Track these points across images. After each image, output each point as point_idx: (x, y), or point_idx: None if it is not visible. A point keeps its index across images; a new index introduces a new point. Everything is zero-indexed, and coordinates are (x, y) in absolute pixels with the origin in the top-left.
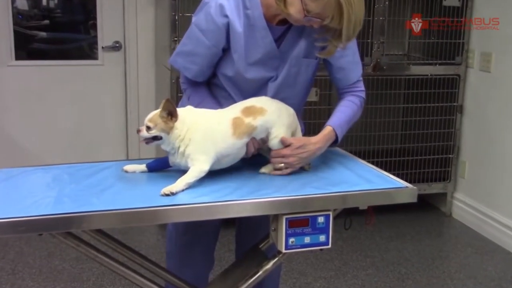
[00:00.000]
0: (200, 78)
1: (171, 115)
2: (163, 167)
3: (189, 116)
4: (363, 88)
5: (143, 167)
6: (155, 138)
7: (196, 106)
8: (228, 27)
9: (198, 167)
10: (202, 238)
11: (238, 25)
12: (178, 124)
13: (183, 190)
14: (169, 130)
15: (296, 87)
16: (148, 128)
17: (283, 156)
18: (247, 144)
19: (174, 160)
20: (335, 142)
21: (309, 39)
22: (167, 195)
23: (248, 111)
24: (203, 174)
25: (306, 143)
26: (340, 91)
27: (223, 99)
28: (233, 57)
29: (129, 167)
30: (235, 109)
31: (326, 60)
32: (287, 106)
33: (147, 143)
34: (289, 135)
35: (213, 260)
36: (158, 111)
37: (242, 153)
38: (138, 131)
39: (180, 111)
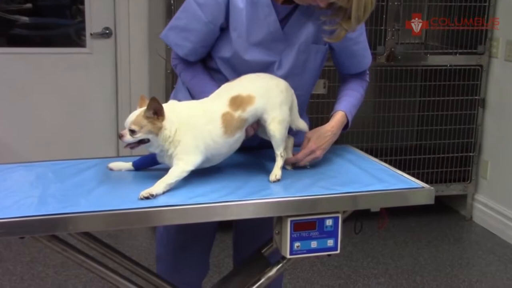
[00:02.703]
0: (192, 57)
1: (157, 113)
2: (150, 164)
3: (175, 113)
4: (368, 73)
5: (129, 165)
6: (142, 141)
7: (188, 82)
8: (228, 3)
9: (181, 167)
10: (195, 240)
11: (239, 1)
12: (166, 123)
13: (164, 192)
14: (157, 131)
15: (304, 75)
16: (133, 131)
17: (311, 152)
18: (246, 129)
19: (163, 161)
20: (345, 128)
21: (317, 23)
22: (147, 198)
23: (235, 103)
24: (185, 174)
25: (323, 133)
26: (345, 75)
27: (220, 82)
28: (231, 36)
29: (114, 165)
30: (221, 100)
31: (337, 46)
32: (277, 81)
33: (131, 148)
34: (286, 111)
35: (207, 265)
36: (140, 111)
37: (236, 147)
38: (121, 136)
39: (164, 108)
